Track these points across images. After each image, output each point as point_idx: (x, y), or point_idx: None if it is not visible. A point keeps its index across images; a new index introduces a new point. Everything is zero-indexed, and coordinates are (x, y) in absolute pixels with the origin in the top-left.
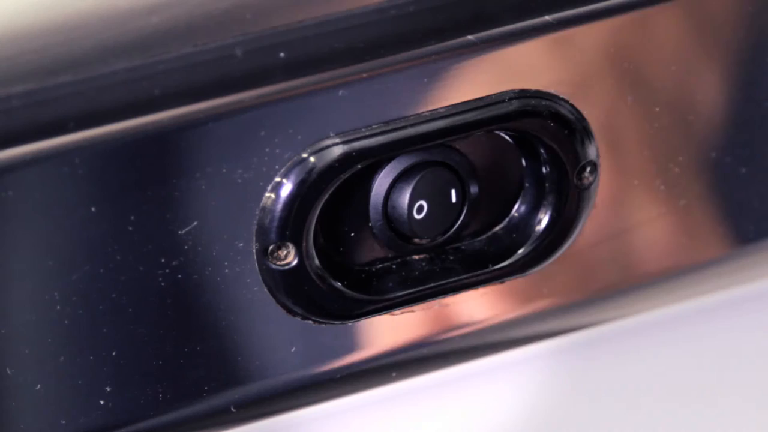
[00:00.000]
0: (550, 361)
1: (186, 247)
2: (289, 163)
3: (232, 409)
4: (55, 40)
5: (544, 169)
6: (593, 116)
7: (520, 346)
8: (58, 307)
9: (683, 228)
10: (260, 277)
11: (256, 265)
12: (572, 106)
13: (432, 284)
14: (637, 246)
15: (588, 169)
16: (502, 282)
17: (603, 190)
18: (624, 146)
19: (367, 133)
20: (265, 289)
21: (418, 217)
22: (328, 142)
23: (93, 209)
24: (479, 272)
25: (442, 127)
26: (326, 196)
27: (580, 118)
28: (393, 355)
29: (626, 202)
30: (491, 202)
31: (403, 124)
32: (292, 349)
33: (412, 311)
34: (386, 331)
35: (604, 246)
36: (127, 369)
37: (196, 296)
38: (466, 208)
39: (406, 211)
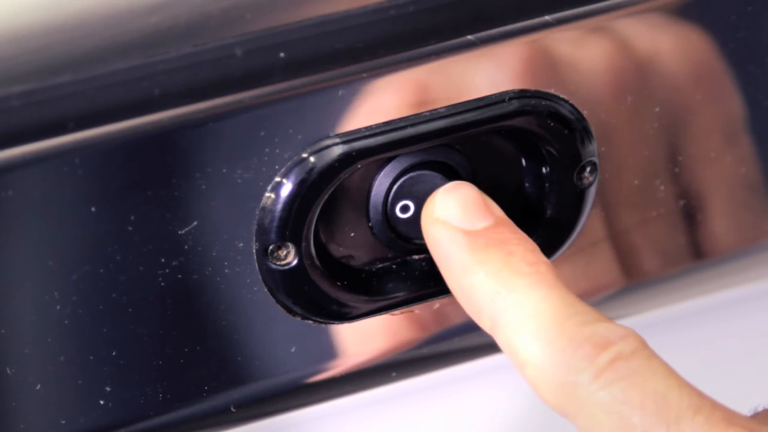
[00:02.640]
0: None
1: (186, 247)
2: (289, 163)
3: (232, 409)
4: (55, 40)
5: (544, 169)
6: (593, 116)
7: None
8: (58, 307)
9: (683, 228)
10: (260, 277)
11: (256, 265)
12: (572, 106)
13: (432, 284)
14: (636, 246)
15: (588, 169)
16: None
17: (603, 190)
18: (624, 146)
19: (367, 133)
20: (265, 289)
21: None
22: (328, 142)
23: (93, 209)
24: None
25: (442, 127)
26: (326, 196)
27: (580, 118)
28: (393, 355)
29: (626, 202)
30: None
31: (403, 124)
32: (292, 349)
33: (412, 311)
34: (386, 331)
35: (604, 246)
36: (127, 369)
37: (196, 296)
38: None
39: (406, 211)
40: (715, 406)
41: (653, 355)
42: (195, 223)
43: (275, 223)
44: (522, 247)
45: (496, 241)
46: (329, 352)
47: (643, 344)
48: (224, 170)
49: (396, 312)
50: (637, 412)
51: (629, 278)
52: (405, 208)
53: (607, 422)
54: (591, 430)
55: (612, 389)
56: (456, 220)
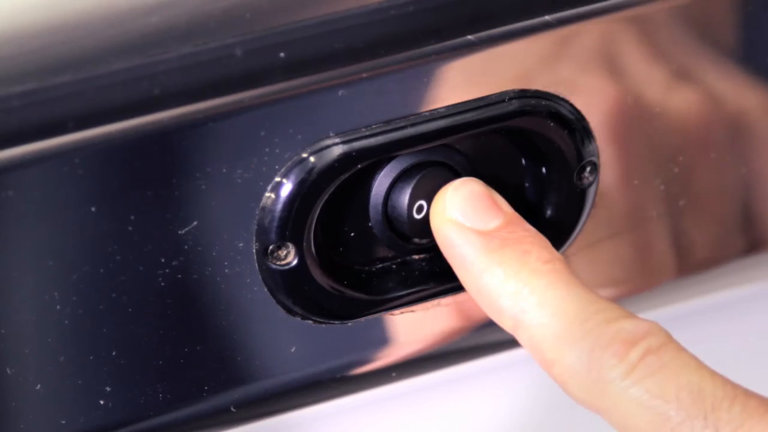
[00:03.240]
0: None
1: (186, 247)
2: (289, 163)
3: (232, 409)
4: (55, 40)
5: (544, 169)
6: (593, 116)
7: (520, 345)
8: (58, 307)
9: (683, 228)
10: (260, 277)
11: (256, 265)
12: (572, 106)
13: (432, 284)
14: (636, 246)
15: (588, 169)
16: None
17: (603, 190)
18: (624, 146)
19: (367, 133)
20: (265, 289)
21: (417, 217)
22: (328, 142)
23: (93, 209)
24: None
25: (442, 127)
26: (326, 196)
27: (580, 117)
28: (393, 355)
29: (626, 202)
30: None
31: (403, 124)
32: (292, 349)
33: (412, 311)
34: (386, 331)
35: (604, 246)
36: (127, 369)
37: (196, 296)
38: None
39: (405, 211)
40: (748, 395)
41: (681, 348)
42: (195, 223)
43: (275, 223)
44: (537, 245)
45: (511, 241)
46: (329, 352)
47: (669, 337)
48: (224, 170)
49: (396, 312)
50: (673, 405)
51: (629, 278)
52: None
53: (643, 417)
54: (626, 426)
55: (646, 384)
56: (468, 221)
